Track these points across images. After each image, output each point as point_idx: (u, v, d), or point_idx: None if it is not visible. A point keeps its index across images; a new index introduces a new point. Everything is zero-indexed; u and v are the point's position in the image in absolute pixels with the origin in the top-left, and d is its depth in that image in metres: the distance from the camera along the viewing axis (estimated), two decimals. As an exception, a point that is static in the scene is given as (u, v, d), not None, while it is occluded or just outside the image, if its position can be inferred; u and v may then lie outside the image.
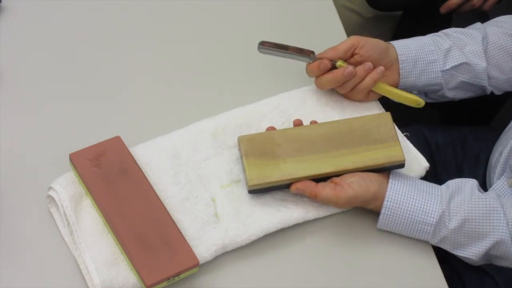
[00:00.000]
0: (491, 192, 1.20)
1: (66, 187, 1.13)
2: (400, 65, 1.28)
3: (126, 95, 1.30)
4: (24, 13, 1.37)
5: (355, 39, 1.26)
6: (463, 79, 1.31)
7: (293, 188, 1.16)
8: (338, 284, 1.15)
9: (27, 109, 1.25)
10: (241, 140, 1.18)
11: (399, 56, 1.28)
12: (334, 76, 1.24)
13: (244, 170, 1.17)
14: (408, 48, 1.29)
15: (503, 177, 1.30)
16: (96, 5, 1.40)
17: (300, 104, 1.27)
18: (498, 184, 1.30)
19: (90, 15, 1.39)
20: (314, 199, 1.16)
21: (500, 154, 1.33)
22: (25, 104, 1.26)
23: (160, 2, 1.42)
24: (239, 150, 1.19)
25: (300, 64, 1.28)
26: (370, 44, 1.26)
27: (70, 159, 1.14)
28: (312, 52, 1.26)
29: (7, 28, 1.34)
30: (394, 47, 1.29)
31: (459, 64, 1.30)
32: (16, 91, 1.27)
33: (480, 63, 1.30)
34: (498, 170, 1.32)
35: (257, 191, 1.17)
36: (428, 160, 1.25)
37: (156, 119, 1.27)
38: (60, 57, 1.32)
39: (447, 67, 1.30)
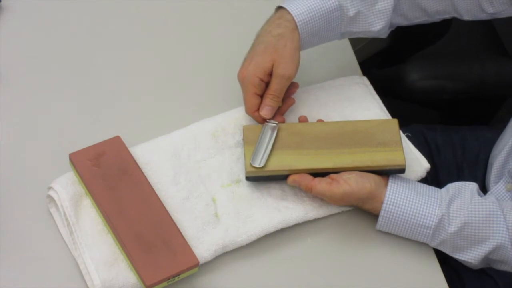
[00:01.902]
0: (491, 196, 1.20)
1: (66, 187, 1.13)
2: (301, 42, 1.22)
3: (126, 95, 1.30)
4: (24, 13, 1.37)
5: (286, 79, 1.19)
6: (358, 35, 1.29)
7: (290, 179, 1.16)
8: (338, 284, 1.15)
9: (27, 109, 1.25)
10: (245, 128, 1.20)
11: (300, 34, 1.21)
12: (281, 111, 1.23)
13: (244, 157, 1.17)
14: (312, 24, 1.21)
15: (501, 181, 1.30)
16: (96, 5, 1.40)
17: (300, 104, 1.27)
18: (496, 188, 1.30)
19: (90, 15, 1.39)
20: (309, 192, 1.16)
21: (497, 158, 1.33)
22: (25, 104, 1.26)
23: (160, 2, 1.42)
24: (243, 139, 1.19)
25: (300, 65, 1.28)
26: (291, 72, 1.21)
27: (70, 159, 1.14)
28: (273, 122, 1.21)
29: (7, 28, 1.34)
30: (297, 26, 1.20)
31: (360, 31, 1.27)
32: (16, 91, 1.27)
33: (380, 24, 1.26)
34: (495, 174, 1.32)
35: (255, 179, 1.17)
36: (428, 160, 1.25)
37: (156, 119, 1.27)
38: (60, 57, 1.32)
39: (347, 30, 1.26)
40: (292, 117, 1.25)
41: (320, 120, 1.24)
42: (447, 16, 1.32)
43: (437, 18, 1.32)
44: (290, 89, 1.24)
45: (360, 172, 1.17)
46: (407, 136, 1.27)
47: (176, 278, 1.07)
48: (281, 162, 1.17)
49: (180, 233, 1.10)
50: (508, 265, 1.18)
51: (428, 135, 1.48)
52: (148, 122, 1.26)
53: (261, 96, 1.20)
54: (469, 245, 1.17)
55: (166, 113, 1.28)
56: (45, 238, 1.12)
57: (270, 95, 1.19)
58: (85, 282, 1.08)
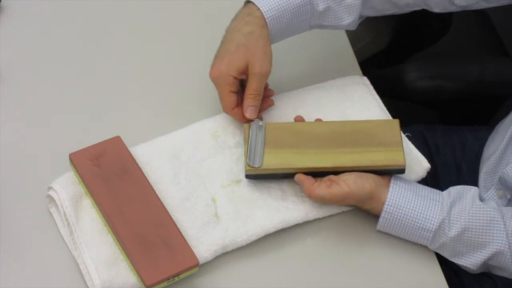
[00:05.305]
0: (491, 202, 1.20)
1: (66, 187, 1.13)
2: (270, 37, 1.21)
3: (126, 95, 1.30)
4: (24, 13, 1.37)
5: (264, 76, 1.20)
6: (328, 29, 1.29)
7: (297, 177, 1.16)
8: (338, 284, 1.15)
9: (27, 109, 1.25)
10: (246, 127, 1.20)
11: (270, 30, 1.20)
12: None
13: (244, 156, 1.17)
14: (281, 19, 1.21)
15: (492, 188, 1.30)
16: (96, 5, 1.40)
17: (300, 104, 1.27)
18: (488, 195, 1.30)
19: (90, 15, 1.39)
20: (308, 196, 1.16)
21: (485, 163, 1.33)
22: (25, 104, 1.26)
23: (159, 3, 1.42)
24: (244, 137, 1.20)
25: (299, 65, 1.28)
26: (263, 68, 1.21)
27: (70, 159, 1.14)
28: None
29: (7, 28, 1.34)
30: (266, 22, 1.20)
31: (329, 25, 1.27)
32: (16, 91, 1.27)
33: (350, 18, 1.26)
34: (483, 180, 1.32)
35: (254, 177, 1.17)
36: (428, 160, 1.25)
37: (156, 119, 1.27)
38: (60, 57, 1.32)
39: (317, 23, 1.26)
40: (292, 116, 1.25)
41: (318, 119, 1.23)
42: (417, 8, 1.32)
43: (407, 10, 1.32)
44: (268, 91, 1.24)
45: (359, 173, 1.16)
46: (407, 136, 1.27)
47: (176, 278, 1.07)
48: (280, 161, 1.17)
49: (180, 233, 1.10)
50: (506, 272, 1.18)
51: (428, 135, 1.48)
52: (148, 122, 1.26)
53: (236, 93, 1.20)
54: (468, 250, 1.16)
55: (166, 113, 1.28)
56: (45, 238, 1.12)
57: (251, 94, 1.19)
58: (85, 282, 1.08)
